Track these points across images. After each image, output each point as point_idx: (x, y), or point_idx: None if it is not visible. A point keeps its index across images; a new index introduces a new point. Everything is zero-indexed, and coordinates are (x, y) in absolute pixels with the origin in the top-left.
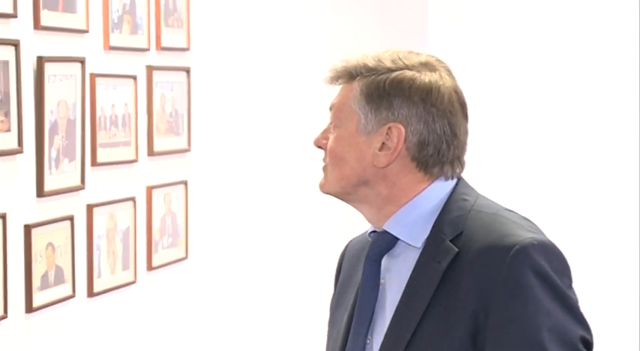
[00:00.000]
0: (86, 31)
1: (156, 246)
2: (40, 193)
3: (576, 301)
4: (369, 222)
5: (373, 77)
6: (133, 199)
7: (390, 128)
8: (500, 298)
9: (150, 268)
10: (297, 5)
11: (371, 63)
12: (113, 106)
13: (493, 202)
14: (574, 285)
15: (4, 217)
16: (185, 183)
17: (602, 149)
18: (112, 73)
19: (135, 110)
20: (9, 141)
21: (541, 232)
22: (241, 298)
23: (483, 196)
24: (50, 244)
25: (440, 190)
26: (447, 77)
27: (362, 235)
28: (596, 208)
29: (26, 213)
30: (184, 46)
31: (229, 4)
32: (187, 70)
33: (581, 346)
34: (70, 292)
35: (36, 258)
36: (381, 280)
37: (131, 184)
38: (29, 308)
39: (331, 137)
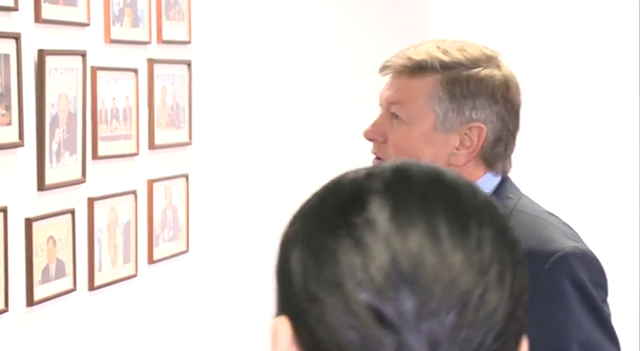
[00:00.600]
0: (87, 25)
1: (157, 239)
2: (41, 186)
3: (609, 316)
4: None
5: (453, 74)
6: (134, 193)
7: (470, 128)
8: (534, 303)
9: (151, 261)
10: None
11: (445, 58)
12: (114, 99)
13: (536, 203)
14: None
15: (4, 210)
16: (186, 176)
17: (602, 149)
18: (113, 67)
19: (136, 103)
20: (10, 134)
21: (582, 241)
22: (242, 291)
23: (527, 197)
24: (51, 237)
25: (486, 186)
26: (510, 70)
27: None
28: (596, 208)
29: (27, 206)
30: (185, 39)
31: None
32: (188, 63)
33: None
34: (71, 286)
35: (37, 251)
36: None
37: (132, 178)
38: (30, 302)
39: (398, 132)
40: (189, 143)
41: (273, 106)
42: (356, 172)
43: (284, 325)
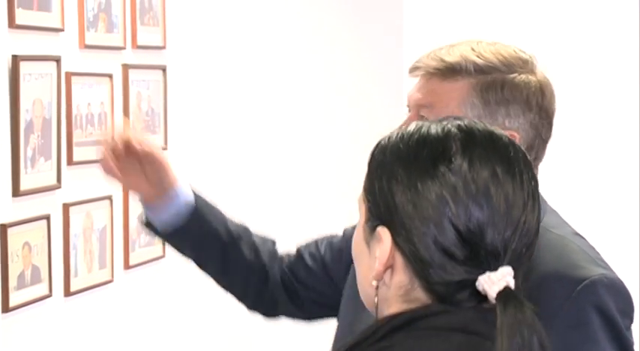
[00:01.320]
0: (61, 30)
1: (133, 245)
2: (16, 192)
3: (632, 345)
4: None
5: (487, 79)
6: (109, 198)
7: None
8: (558, 329)
9: (127, 266)
10: (273, 3)
11: (479, 61)
12: (89, 104)
13: (561, 219)
14: None
15: None
16: None
17: (602, 149)
18: (88, 72)
19: (111, 109)
20: None
21: (609, 267)
22: (218, 296)
23: (552, 210)
24: (26, 243)
25: None
26: (544, 75)
27: None
28: (596, 208)
29: (2, 212)
30: (160, 44)
31: (205, 2)
32: (163, 69)
33: None
34: (46, 292)
35: (12, 257)
36: None
37: (107, 183)
38: (5, 308)
39: None
40: (164, 148)
41: (249, 111)
42: (436, 128)
43: (387, 234)
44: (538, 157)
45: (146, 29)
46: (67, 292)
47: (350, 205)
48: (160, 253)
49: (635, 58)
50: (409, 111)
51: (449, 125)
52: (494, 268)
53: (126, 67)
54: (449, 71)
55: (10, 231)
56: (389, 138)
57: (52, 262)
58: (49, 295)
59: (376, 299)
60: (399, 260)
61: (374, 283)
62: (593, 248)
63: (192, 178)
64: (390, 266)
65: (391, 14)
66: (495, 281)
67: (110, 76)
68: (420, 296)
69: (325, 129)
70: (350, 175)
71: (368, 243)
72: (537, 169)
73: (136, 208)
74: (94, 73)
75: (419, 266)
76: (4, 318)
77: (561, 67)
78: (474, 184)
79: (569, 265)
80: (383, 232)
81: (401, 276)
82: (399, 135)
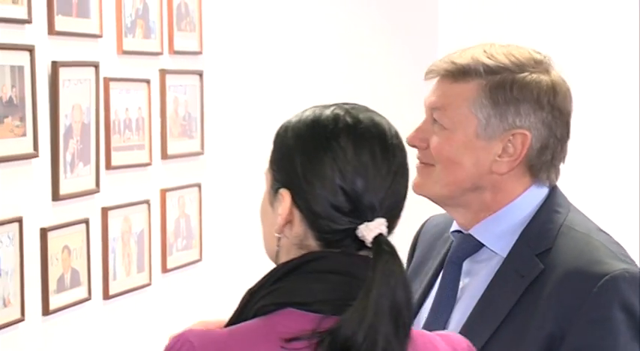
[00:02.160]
0: (100, 36)
1: (170, 248)
2: (56, 196)
3: None
4: (460, 226)
5: (497, 79)
6: (147, 202)
7: (514, 134)
8: (579, 326)
9: (164, 270)
10: (307, 7)
11: (489, 62)
12: (127, 109)
13: (586, 217)
14: None
15: (20, 220)
16: (199, 186)
17: (602, 149)
18: (126, 77)
19: (148, 114)
20: (25, 145)
21: (633, 262)
22: None
23: (576, 209)
24: (66, 247)
25: (533, 197)
26: (560, 75)
27: (443, 215)
28: (596, 208)
29: (42, 216)
30: (197, 49)
31: (241, 8)
32: (200, 74)
33: None
34: (85, 295)
35: (52, 261)
36: (460, 284)
37: (145, 187)
38: (46, 311)
39: (439, 138)
40: (201, 153)
41: (285, 115)
42: (327, 112)
43: (287, 195)
44: (556, 157)
45: (183, 35)
46: (106, 296)
47: None
48: (197, 257)
49: (635, 58)
50: (425, 115)
51: (338, 110)
52: (372, 219)
53: (163, 73)
54: (460, 73)
55: (50, 235)
56: (290, 121)
57: (91, 265)
58: (88, 299)
59: (277, 249)
60: (297, 215)
61: (277, 235)
62: (618, 244)
63: (228, 182)
64: (289, 221)
65: (426, 17)
66: (372, 229)
67: (148, 81)
68: (311, 243)
69: None
70: None
71: (272, 204)
72: (558, 170)
73: (173, 213)
74: (131, 79)
75: (313, 219)
76: (45, 321)
77: (561, 67)
78: (356, 158)
79: (591, 262)
80: (285, 193)
81: (297, 228)
82: (299, 117)
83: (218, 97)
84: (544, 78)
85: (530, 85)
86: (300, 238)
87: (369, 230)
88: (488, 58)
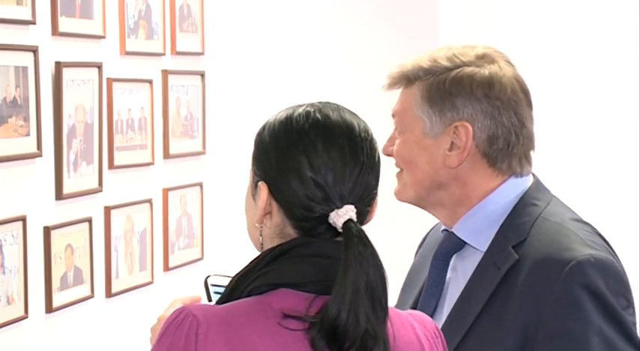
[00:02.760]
0: (103, 37)
1: (172, 247)
2: (59, 195)
3: (632, 323)
4: (444, 225)
5: (432, 79)
6: (149, 201)
7: (456, 127)
8: (551, 313)
9: (166, 268)
10: (309, 9)
11: (427, 64)
12: (129, 109)
13: (566, 208)
14: None
15: (24, 219)
16: (200, 185)
17: (602, 149)
18: (129, 78)
19: (151, 114)
20: (28, 145)
21: (604, 249)
22: None
23: (557, 201)
24: (69, 245)
25: (511, 191)
26: (507, 67)
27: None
28: (596, 208)
29: (45, 215)
30: (199, 50)
31: (243, 9)
32: (202, 74)
33: None
34: (88, 293)
35: (55, 259)
36: (447, 279)
37: (147, 187)
38: (49, 308)
39: (397, 142)
40: (203, 152)
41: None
42: (299, 110)
43: (265, 187)
44: (512, 145)
45: (185, 36)
46: (109, 294)
47: (390, 208)
48: (199, 256)
49: (635, 58)
50: None
51: (309, 107)
52: (340, 207)
53: (165, 73)
54: (405, 79)
55: (53, 233)
56: (268, 120)
57: (94, 263)
58: (91, 296)
59: (260, 238)
60: (275, 206)
61: (257, 225)
62: (592, 232)
63: (230, 182)
64: (268, 212)
65: (426, 18)
66: (341, 215)
67: (150, 81)
68: (290, 232)
69: None
70: (392, 180)
71: (254, 197)
72: (524, 159)
73: (175, 212)
74: (134, 79)
75: (288, 208)
76: (48, 318)
77: (561, 67)
78: (325, 151)
79: (559, 249)
80: (262, 186)
81: (276, 218)
82: (275, 117)
83: (220, 97)
84: (480, 71)
85: (462, 80)
86: (279, 228)
87: (339, 216)
88: (429, 60)
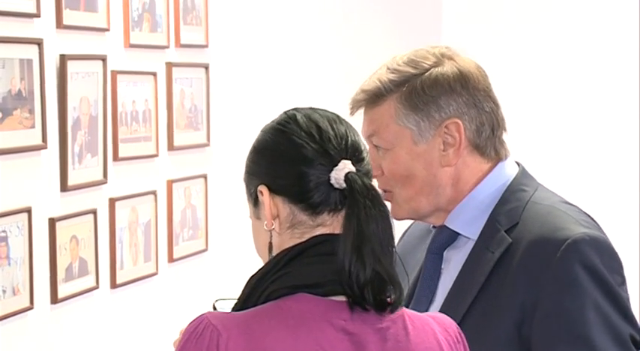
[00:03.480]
0: (107, 30)
1: (177, 238)
2: (64, 187)
3: (627, 299)
4: (436, 224)
5: (406, 88)
6: (154, 193)
7: (446, 126)
8: (549, 291)
9: (171, 260)
10: (312, 3)
11: (392, 76)
12: (134, 102)
13: (553, 193)
14: None
15: (29, 211)
16: (205, 177)
17: (602, 149)
18: (133, 70)
19: (155, 106)
20: (33, 137)
21: (596, 228)
22: None
23: (544, 187)
24: (74, 236)
25: (498, 179)
26: (465, 58)
27: None
28: (596, 209)
29: (50, 207)
30: (203, 43)
31: (247, 2)
32: (206, 67)
33: (630, 345)
34: (93, 284)
35: (60, 250)
36: (441, 271)
37: (152, 178)
38: (54, 299)
39: (387, 161)
40: (207, 144)
41: (289, 108)
42: (281, 115)
43: (265, 188)
44: (495, 129)
45: (189, 28)
46: (113, 284)
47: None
48: (203, 247)
49: (635, 58)
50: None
51: (289, 111)
52: (337, 164)
53: (169, 66)
54: (374, 97)
55: (58, 225)
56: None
57: (99, 255)
58: (96, 287)
59: (269, 245)
60: (279, 202)
61: (266, 229)
62: (583, 212)
63: (234, 173)
64: (276, 216)
65: (430, 17)
66: (340, 169)
67: (154, 74)
68: (302, 218)
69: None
70: None
71: (256, 215)
72: (501, 140)
73: (180, 203)
74: (138, 72)
75: (290, 191)
76: (53, 309)
77: (561, 67)
78: (309, 124)
79: (553, 229)
80: (262, 188)
81: (283, 213)
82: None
83: (224, 89)
84: (448, 68)
85: (438, 79)
86: (290, 219)
87: (338, 171)
88: (392, 73)
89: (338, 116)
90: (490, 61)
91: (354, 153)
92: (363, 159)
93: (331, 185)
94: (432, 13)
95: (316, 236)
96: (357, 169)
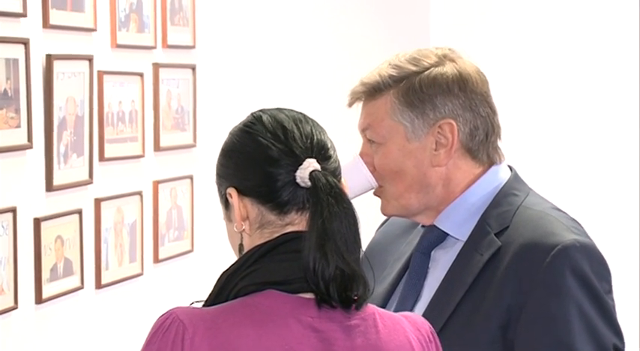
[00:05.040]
0: (94, 30)
1: (162, 239)
2: (50, 187)
3: (613, 307)
4: (425, 224)
5: (405, 84)
6: (139, 194)
7: (440, 126)
8: (536, 295)
9: (156, 260)
10: (300, 3)
11: (393, 72)
12: (120, 102)
13: (544, 199)
14: None
15: (14, 210)
16: (191, 178)
17: (602, 149)
18: (119, 71)
19: (142, 107)
20: (19, 137)
21: (586, 235)
22: None
23: (535, 193)
24: (59, 237)
25: (490, 183)
26: (467, 62)
27: None
28: (596, 209)
29: (36, 207)
30: (190, 43)
31: (234, 3)
32: (193, 68)
33: None
34: (78, 284)
35: (45, 250)
36: (428, 271)
37: (138, 179)
38: (39, 299)
39: (378, 156)
40: (193, 145)
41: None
42: (249, 118)
43: (233, 190)
44: (489, 134)
45: (176, 29)
46: (98, 285)
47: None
48: (189, 248)
49: (636, 58)
50: (363, 139)
51: (260, 113)
52: (302, 163)
53: (156, 66)
54: (373, 91)
55: (43, 225)
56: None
57: (84, 255)
58: (81, 288)
59: (240, 246)
60: (248, 203)
61: (236, 230)
62: (573, 220)
63: None
64: (245, 218)
65: (418, 17)
66: (305, 167)
67: (141, 74)
68: (271, 217)
69: (353, 127)
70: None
71: (228, 218)
72: (498, 147)
73: (166, 204)
74: (125, 72)
75: (257, 191)
76: (38, 309)
77: (561, 67)
78: (274, 125)
79: (544, 234)
80: (231, 190)
81: (253, 214)
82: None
83: (210, 90)
84: (448, 69)
85: (436, 79)
86: (258, 220)
87: (303, 170)
88: (393, 68)
89: (304, 115)
90: (479, 65)
91: (319, 151)
92: (329, 157)
93: (297, 184)
94: (421, 18)
95: (286, 234)
96: (323, 167)
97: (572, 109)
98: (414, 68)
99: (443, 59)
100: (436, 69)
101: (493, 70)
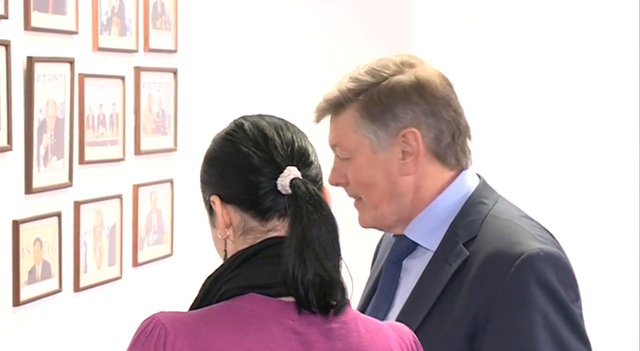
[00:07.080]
0: (75, 33)
1: (141, 243)
2: (29, 189)
3: (580, 316)
4: (398, 234)
5: (364, 97)
6: (119, 197)
7: (404, 135)
8: (502, 305)
9: (135, 264)
10: (282, 6)
11: (352, 85)
12: (101, 105)
13: (513, 206)
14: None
15: None
16: (171, 182)
17: (602, 149)
18: (101, 74)
19: (122, 110)
20: None
21: (552, 244)
22: None
23: (504, 200)
24: (38, 239)
25: (458, 191)
26: (427, 67)
27: None
28: (596, 209)
29: (15, 209)
30: (172, 47)
31: (217, 7)
32: (174, 72)
33: None
34: (56, 287)
35: (24, 253)
36: (400, 280)
37: (118, 182)
38: (16, 302)
39: (349, 171)
40: (174, 149)
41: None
42: (231, 126)
43: (216, 197)
44: (456, 137)
45: (158, 33)
46: (77, 288)
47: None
48: (168, 252)
49: (636, 58)
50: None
51: (242, 120)
52: (283, 171)
53: (138, 70)
54: (335, 106)
55: (22, 227)
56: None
57: (63, 258)
58: (59, 290)
59: (224, 252)
60: (231, 210)
61: (220, 237)
62: (540, 228)
63: None
64: (229, 224)
65: (400, 19)
66: (286, 175)
67: (122, 78)
68: (253, 224)
69: None
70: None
71: (213, 224)
72: (467, 148)
73: (145, 208)
74: (106, 75)
75: (239, 199)
76: (15, 312)
77: (561, 67)
78: (256, 133)
79: (509, 244)
80: (214, 198)
81: (236, 221)
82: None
83: (192, 94)
84: (406, 77)
85: (394, 89)
86: (241, 226)
87: (284, 178)
88: (352, 82)
89: (286, 122)
90: (459, 70)
91: (300, 158)
92: (310, 164)
93: (279, 192)
94: (402, 23)
95: (269, 239)
96: (303, 174)
97: (564, 112)
98: (371, 80)
99: (401, 67)
100: (394, 78)
101: (476, 73)
